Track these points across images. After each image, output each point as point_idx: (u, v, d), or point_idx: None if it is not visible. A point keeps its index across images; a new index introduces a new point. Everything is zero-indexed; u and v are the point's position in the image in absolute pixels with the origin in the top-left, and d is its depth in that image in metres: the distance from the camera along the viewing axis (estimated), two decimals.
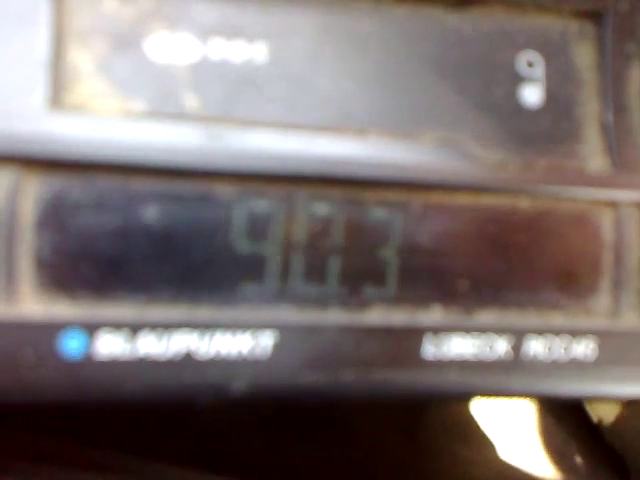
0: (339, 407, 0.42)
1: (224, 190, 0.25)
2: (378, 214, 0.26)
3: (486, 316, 0.27)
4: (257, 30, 0.25)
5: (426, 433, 0.44)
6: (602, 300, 0.29)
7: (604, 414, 0.47)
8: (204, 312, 0.25)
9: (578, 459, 0.47)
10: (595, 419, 0.48)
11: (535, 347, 0.28)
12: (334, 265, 0.26)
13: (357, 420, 0.43)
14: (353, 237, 0.26)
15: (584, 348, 0.28)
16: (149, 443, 0.36)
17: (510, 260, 0.28)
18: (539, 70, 0.28)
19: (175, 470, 0.34)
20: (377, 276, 0.26)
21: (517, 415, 0.48)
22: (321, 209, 0.26)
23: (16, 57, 0.23)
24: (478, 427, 0.46)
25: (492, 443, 0.45)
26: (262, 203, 0.25)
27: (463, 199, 0.27)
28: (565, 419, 0.49)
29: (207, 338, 0.25)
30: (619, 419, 0.46)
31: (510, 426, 0.47)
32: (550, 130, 0.28)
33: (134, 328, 0.24)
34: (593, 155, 0.28)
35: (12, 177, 0.23)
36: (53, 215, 0.23)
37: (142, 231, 0.24)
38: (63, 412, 0.34)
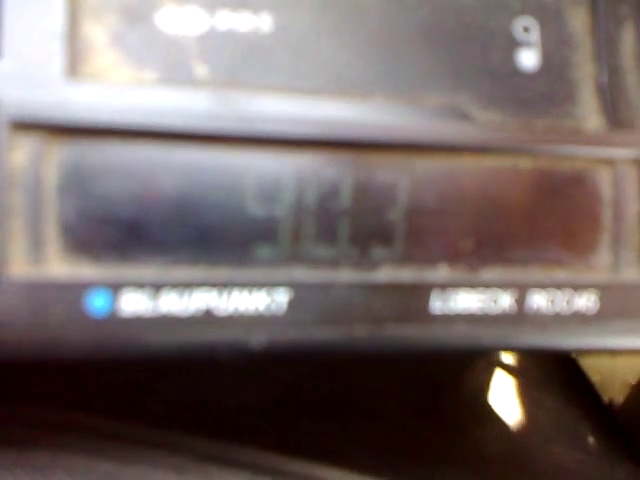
0: (356, 386, 0.43)
1: (235, 154, 0.26)
2: (384, 176, 0.27)
3: (490, 272, 0.28)
4: (262, 1, 0.26)
5: (441, 412, 0.45)
6: (602, 255, 0.30)
7: (614, 394, 0.48)
8: (222, 272, 0.26)
9: (591, 439, 0.47)
10: (606, 400, 0.49)
11: (538, 300, 0.29)
12: (343, 226, 0.27)
13: (375, 400, 0.44)
14: (361, 199, 0.27)
15: (586, 301, 0.29)
16: (169, 415, 0.36)
17: (512, 218, 0.28)
18: (535, 35, 0.29)
19: (197, 441, 0.35)
20: (385, 236, 0.27)
21: (529, 395, 0.49)
22: (329, 172, 0.27)
23: (35, 31, 0.24)
24: (491, 406, 0.47)
25: (504, 422, 0.46)
26: (272, 166, 0.26)
27: (465, 160, 0.28)
28: (578, 400, 0.50)
29: (225, 296, 0.26)
30: (628, 399, 0.47)
31: (522, 406, 0.48)
32: (547, 92, 0.29)
33: (156, 287, 0.25)
34: (589, 115, 0.29)
35: (35, 143, 0.24)
36: (75, 179, 0.24)
37: (159, 194, 0.25)
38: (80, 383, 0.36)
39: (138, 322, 0.25)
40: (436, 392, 0.46)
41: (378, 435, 0.41)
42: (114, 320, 0.25)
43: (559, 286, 0.29)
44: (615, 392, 0.48)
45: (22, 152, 0.24)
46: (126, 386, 0.37)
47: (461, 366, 0.49)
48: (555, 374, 0.52)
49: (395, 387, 0.45)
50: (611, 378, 0.49)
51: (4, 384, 0.32)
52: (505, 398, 0.48)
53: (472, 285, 0.28)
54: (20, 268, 0.24)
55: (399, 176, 0.27)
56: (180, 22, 0.26)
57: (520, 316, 0.28)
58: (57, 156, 0.24)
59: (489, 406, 0.47)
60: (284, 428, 0.39)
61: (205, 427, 0.35)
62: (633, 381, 0.46)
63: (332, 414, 0.41)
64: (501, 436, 0.45)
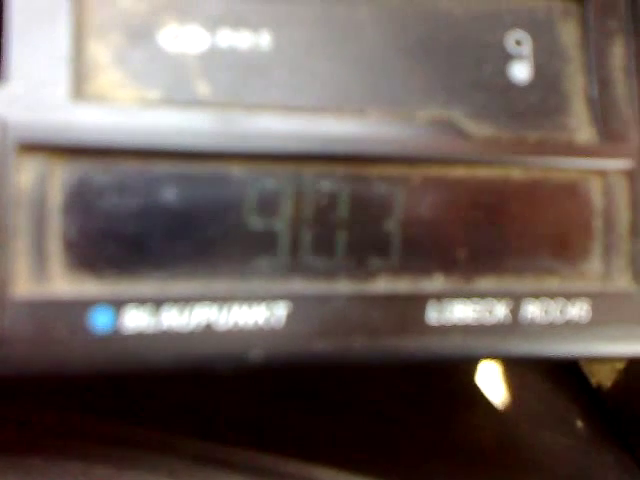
0: (346, 376, 0.43)
1: (236, 170, 0.26)
2: (380, 188, 0.28)
3: (485, 282, 0.29)
4: (261, 20, 0.27)
5: (431, 400, 0.45)
6: (594, 264, 0.30)
7: (602, 378, 0.48)
8: (222, 286, 0.26)
9: (579, 423, 0.47)
10: (594, 384, 0.49)
11: (532, 310, 0.29)
12: (341, 238, 0.27)
13: (364, 389, 0.43)
14: (357, 211, 0.27)
15: (578, 310, 0.29)
16: (164, 418, 0.37)
17: (506, 229, 0.29)
18: (527, 48, 0.30)
19: (191, 443, 0.35)
20: (381, 247, 0.28)
21: (518, 379, 0.49)
22: (326, 185, 0.27)
23: (40, 53, 0.24)
24: (481, 393, 0.47)
25: (493, 406, 0.46)
26: (271, 181, 0.26)
27: (459, 172, 0.28)
28: (566, 384, 0.50)
29: (225, 310, 0.26)
30: (616, 384, 0.47)
31: (511, 390, 0.48)
32: (539, 105, 0.29)
33: (157, 303, 0.25)
34: (580, 127, 0.30)
35: (40, 164, 0.24)
36: (79, 198, 0.25)
37: (161, 211, 0.25)
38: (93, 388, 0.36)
39: (140, 338, 0.25)
40: (424, 379, 0.46)
41: (367, 428, 0.41)
42: (117, 337, 0.25)
43: (552, 295, 0.29)
44: (603, 376, 0.48)
45: (28, 173, 0.24)
46: (121, 389, 0.37)
47: None
48: None
49: (382, 376, 0.45)
50: (599, 362, 0.49)
51: None
52: (493, 382, 0.48)
53: (467, 295, 0.28)
54: (24, 287, 0.24)
55: (394, 189, 0.28)
56: (182, 41, 0.26)
57: (514, 326, 0.29)
58: (61, 176, 0.25)
59: (478, 390, 0.47)
60: (275, 421, 0.39)
61: (200, 429, 0.35)
62: (621, 365, 0.47)
63: (321, 404, 0.41)
64: (491, 422, 0.45)
